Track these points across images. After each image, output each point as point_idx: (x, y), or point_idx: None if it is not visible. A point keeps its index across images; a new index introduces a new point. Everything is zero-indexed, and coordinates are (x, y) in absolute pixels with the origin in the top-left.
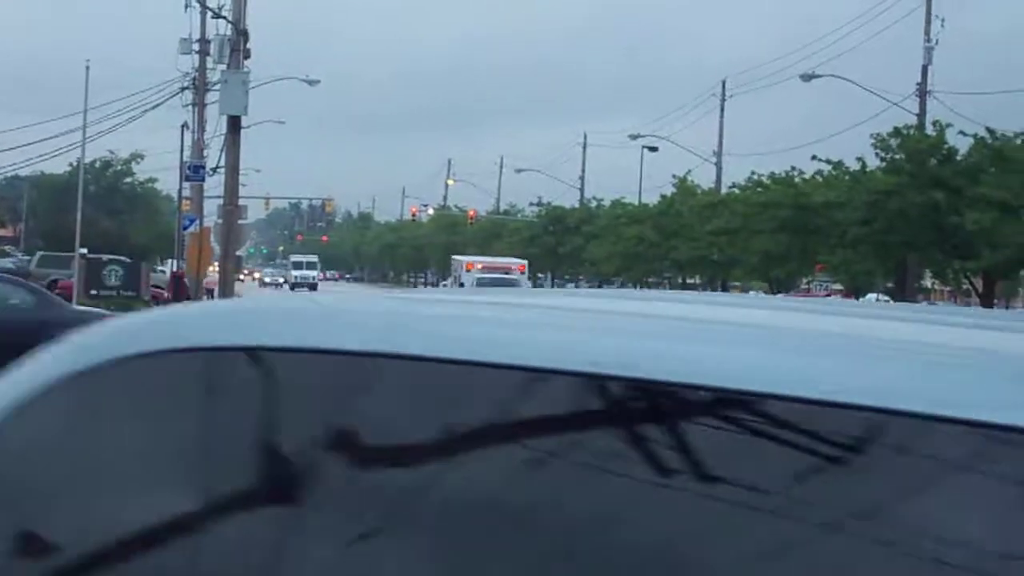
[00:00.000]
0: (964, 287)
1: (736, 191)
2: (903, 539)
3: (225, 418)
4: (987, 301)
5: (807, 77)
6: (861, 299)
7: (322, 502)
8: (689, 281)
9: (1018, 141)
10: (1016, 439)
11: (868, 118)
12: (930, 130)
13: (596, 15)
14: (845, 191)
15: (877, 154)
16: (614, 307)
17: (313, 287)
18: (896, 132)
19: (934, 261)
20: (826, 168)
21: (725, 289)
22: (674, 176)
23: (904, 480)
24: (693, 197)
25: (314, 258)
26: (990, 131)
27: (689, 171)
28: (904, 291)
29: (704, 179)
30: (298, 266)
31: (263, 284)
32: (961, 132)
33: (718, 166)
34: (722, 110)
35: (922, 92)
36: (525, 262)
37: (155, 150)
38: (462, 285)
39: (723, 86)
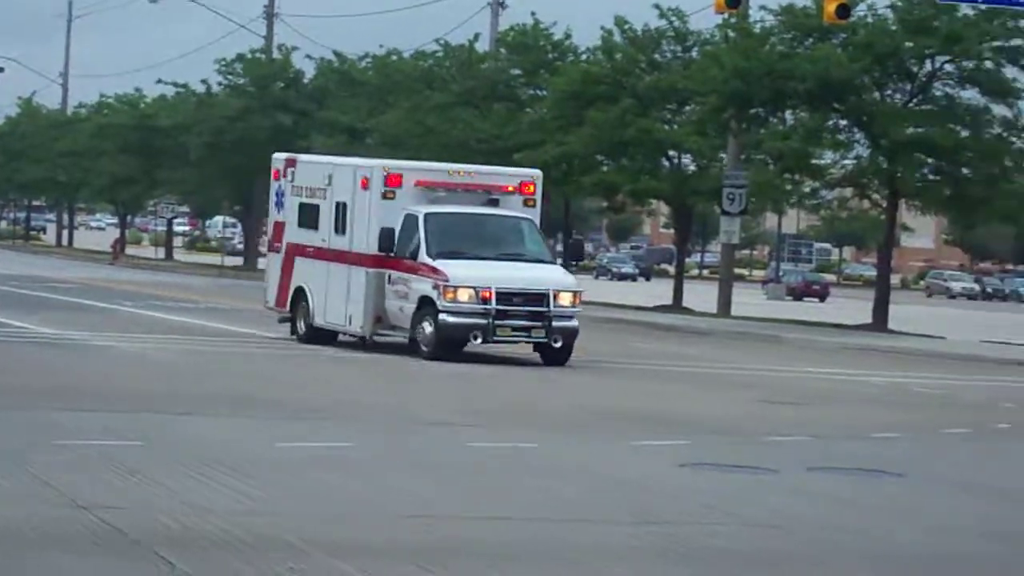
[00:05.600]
0: None
1: (83, 112)
2: None
3: None
4: None
5: None
6: (207, 221)
7: None
8: (36, 203)
9: (363, 64)
10: None
11: (217, 39)
12: (277, 54)
13: None
14: (191, 114)
15: (220, 82)
16: None
17: None
18: (240, 57)
19: None
20: (172, 91)
21: (72, 211)
22: (19, 98)
23: None
24: (39, 119)
25: None
26: (337, 54)
27: (35, 92)
28: (251, 213)
29: (55, 101)
30: None
31: None
32: (308, 55)
33: (64, 87)
34: (68, 31)
35: (269, 15)
36: (538, 174)
37: None
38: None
39: (70, 6)
